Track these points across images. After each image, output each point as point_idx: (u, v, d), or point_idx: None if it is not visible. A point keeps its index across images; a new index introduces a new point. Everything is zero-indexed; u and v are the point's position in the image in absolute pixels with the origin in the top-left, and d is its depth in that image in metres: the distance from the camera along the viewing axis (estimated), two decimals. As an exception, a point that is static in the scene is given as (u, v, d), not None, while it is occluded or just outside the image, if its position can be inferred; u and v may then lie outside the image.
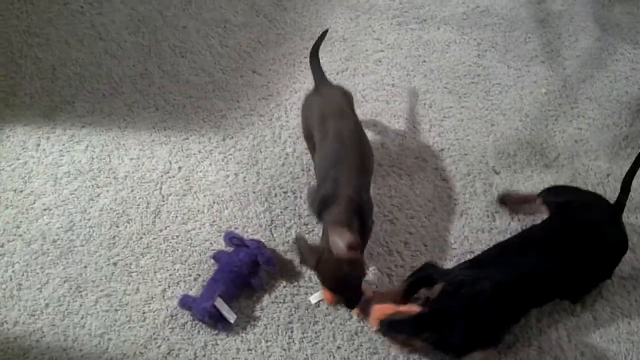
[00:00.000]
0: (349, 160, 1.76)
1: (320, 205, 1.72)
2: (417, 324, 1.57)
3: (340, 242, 1.55)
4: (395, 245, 1.94)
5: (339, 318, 1.80)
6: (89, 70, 2.41)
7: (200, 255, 1.91)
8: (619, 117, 2.31)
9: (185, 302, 1.76)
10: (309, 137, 1.96)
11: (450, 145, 2.22)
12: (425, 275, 1.73)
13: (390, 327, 1.59)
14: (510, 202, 2.05)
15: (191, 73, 2.40)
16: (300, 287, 1.86)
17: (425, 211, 2.04)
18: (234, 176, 2.10)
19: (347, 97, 1.97)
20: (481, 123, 2.28)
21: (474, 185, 2.11)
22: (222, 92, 2.36)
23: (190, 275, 1.87)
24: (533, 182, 2.12)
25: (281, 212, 2.02)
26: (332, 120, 1.83)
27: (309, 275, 1.88)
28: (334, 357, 1.73)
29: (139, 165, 2.13)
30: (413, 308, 1.60)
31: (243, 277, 1.79)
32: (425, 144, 2.22)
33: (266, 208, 2.02)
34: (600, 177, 2.14)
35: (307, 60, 2.07)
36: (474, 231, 2.00)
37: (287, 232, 1.97)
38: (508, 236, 1.96)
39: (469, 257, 1.88)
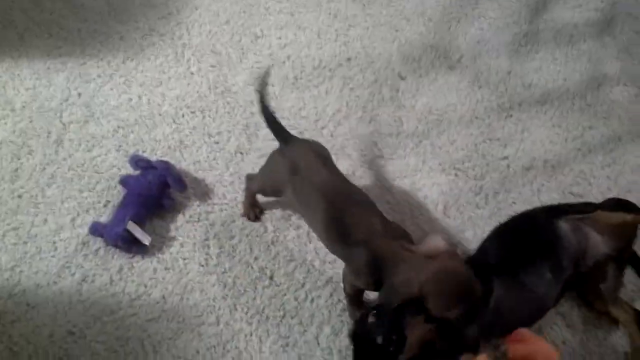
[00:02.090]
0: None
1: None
2: None
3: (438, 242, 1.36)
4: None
5: (255, 231, 1.82)
6: (-26, 0, 2.25)
7: (108, 181, 1.87)
8: (518, 16, 2.36)
9: (96, 229, 1.73)
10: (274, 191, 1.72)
11: (357, 53, 2.22)
12: None
13: None
14: None
15: (84, -5, 2.28)
16: (214, 204, 1.86)
17: (334, 121, 2.06)
18: (138, 99, 2.04)
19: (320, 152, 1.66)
20: (386, 29, 2.28)
21: (381, 92, 2.14)
22: (118, 13, 2.26)
23: (99, 202, 1.84)
24: (438, 85, 2.16)
25: (190, 132, 1.99)
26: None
27: (222, 192, 1.88)
28: (252, 267, 1.76)
29: (36, 95, 2.04)
30: None
31: (153, 199, 1.77)
32: (331, 53, 2.21)
33: (174, 129, 1.99)
34: (501, 75, 2.20)
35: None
36: (383, 137, 2.04)
37: (197, 151, 1.95)
38: (416, 139, 2.02)
39: (379, 162, 1.94)
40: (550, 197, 1.93)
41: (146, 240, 1.72)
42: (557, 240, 1.63)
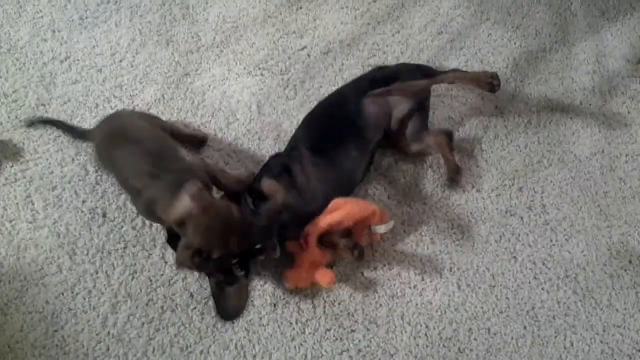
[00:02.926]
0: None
1: None
2: None
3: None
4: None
5: (76, 176, 1.81)
6: None
7: None
8: None
9: None
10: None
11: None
12: None
13: None
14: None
15: None
16: (27, 161, 1.82)
17: (132, 51, 2.05)
18: None
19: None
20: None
21: (172, 13, 2.17)
22: None
23: None
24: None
25: (-16, 97, 1.92)
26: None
27: (33, 148, 1.85)
28: (82, 211, 1.76)
29: None
30: None
31: (-41, 171, 1.72)
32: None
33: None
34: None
35: None
36: (184, 55, 2.07)
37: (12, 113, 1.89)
38: (217, 50, 2.06)
39: (186, 80, 1.96)
40: (352, 73, 2.05)
41: (-36, 214, 1.68)
42: (362, 118, 1.78)
